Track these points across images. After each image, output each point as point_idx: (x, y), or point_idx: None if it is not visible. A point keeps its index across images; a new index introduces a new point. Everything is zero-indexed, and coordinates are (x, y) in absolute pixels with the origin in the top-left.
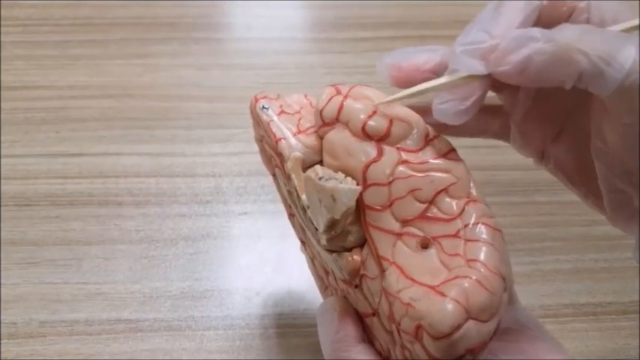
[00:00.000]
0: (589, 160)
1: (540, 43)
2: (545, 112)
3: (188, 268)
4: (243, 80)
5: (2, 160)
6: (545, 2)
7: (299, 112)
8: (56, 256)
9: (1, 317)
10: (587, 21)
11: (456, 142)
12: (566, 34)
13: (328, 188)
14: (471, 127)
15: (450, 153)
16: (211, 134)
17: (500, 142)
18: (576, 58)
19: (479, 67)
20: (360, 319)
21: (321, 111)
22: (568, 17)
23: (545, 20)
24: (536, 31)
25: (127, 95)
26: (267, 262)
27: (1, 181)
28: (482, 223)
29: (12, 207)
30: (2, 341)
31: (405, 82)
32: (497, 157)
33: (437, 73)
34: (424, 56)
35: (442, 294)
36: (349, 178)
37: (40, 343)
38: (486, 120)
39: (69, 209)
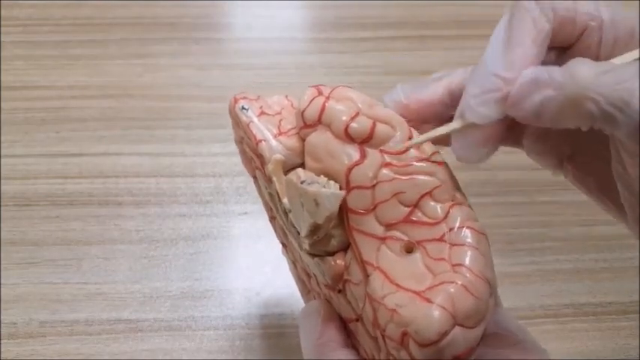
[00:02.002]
0: (608, 176)
1: (550, 89)
2: (558, 133)
3: (188, 268)
4: (243, 80)
5: (2, 160)
6: (554, 25)
7: (280, 113)
8: (56, 256)
9: (1, 317)
10: (600, 41)
11: None
12: (577, 79)
13: (311, 192)
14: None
15: (433, 155)
16: (211, 134)
17: None
18: (587, 105)
19: (494, 115)
20: (343, 324)
21: (302, 112)
22: (579, 36)
23: (557, 40)
24: (546, 75)
25: (127, 95)
26: (267, 262)
27: (1, 181)
28: (467, 227)
29: (12, 207)
30: (2, 341)
31: (415, 118)
32: (497, 157)
33: (446, 103)
34: (430, 90)
35: (428, 300)
36: (332, 182)
37: (40, 343)
38: (502, 133)
39: (69, 209)
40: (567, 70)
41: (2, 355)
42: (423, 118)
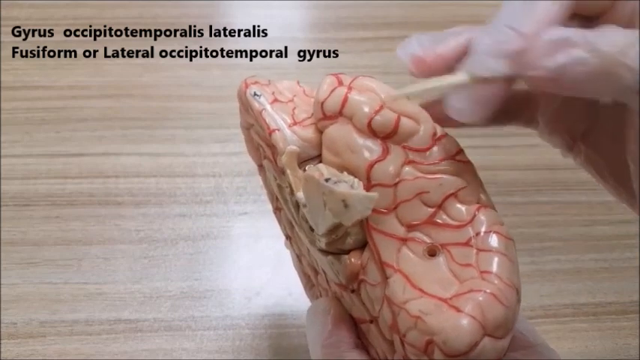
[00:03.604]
0: (621, 158)
1: (581, 50)
2: (575, 110)
3: (188, 268)
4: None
5: (2, 160)
6: None
7: (292, 101)
8: (56, 256)
9: (1, 317)
10: (632, 15)
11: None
12: (612, 43)
13: (339, 193)
14: (498, 116)
15: (458, 154)
16: (211, 134)
17: (501, 142)
18: (621, 73)
19: (503, 70)
20: (354, 324)
21: (322, 103)
22: (611, 6)
23: (583, 11)
24: (577, 35)
25: (127, 95)
26: (267, 262)
27: (1, 181)
28: (495, 232)
29: (12, 207)
30: (2, 341)
31: (429, 73)
32: (497, 157)
33: (462, 60)
34: (449, 45)
35: (457, 309)
36: (356, 180)
37: (40, 343)
38: (515, 108)
39: (69, 209)
40: (600, 33)
41: (2, 355)
42: (435, 73)
